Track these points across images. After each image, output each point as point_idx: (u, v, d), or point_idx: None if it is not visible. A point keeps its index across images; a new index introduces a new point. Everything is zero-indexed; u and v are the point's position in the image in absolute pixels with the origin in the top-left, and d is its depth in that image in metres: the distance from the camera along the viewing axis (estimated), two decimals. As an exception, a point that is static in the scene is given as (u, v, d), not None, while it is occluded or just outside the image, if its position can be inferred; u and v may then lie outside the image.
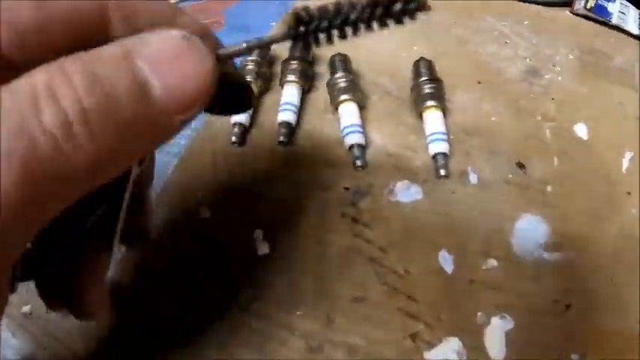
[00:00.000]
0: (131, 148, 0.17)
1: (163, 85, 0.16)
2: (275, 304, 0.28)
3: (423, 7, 0.18)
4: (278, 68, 0.38)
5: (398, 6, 0.18)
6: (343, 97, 0.34)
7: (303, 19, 0.18)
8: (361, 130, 0.33)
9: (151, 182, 0.27)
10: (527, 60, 0.41)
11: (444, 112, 0.35)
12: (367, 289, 0.29)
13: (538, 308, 0.29)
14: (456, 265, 0.30)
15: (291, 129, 0.34)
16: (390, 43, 0.40)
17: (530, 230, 0.32)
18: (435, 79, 0.35)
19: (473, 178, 0.33)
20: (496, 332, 0.28)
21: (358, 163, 0.32)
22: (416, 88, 0.35)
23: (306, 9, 0.18)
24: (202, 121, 0.36)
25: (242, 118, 0.34)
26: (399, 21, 0.18)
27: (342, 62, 0.36)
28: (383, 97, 0.37)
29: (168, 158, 0.35)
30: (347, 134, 0.33)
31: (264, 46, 0.19)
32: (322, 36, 0.18)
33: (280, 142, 0.34)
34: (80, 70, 0.15)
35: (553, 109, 0.38)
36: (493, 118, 0.36)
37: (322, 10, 0.18)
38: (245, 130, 0.35)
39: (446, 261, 0.30)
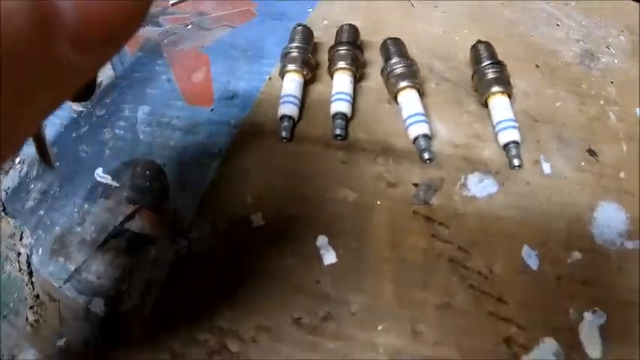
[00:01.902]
0: (27, 93, 0.11)
1: (75, 4, 0.11)
2: (352, 321, 0.25)
3: None
4: (323, 56, 0.35)
5: None
6: (403, 84, 0.31)
7: None
8: (426, 119, 0.30)
9: None
10: (581, 42, 0.38)
11: (510, 97, 0.32)
12: (452, 294, 0.26)
13: (628, 299, 0.26)
14: (540, 260, 0.27)
15: (346, 121, 0.31)
16: (438, 27, 0.37)
17: (609, 219, 0.29)
18: (498, 63, 0.32)
19: (546, 168, 0.30)
20: (590, 328, 0.26)
21: (426, 155, 0.29)
22: (478, 73, 0.32)
23: None
24: (244, 114, 0.33)
25: (291, 110, 0.31)
26: None
27: (397, 46, 0.33)
28: (441, 83, 0.33)
29: (207, 160, 0.31)
30: (411, 125, 0.30)
31: None
32: None
33: (336, 136, 0.31)
34: None
35: (614, 92, 0.35)
36: (557, 104, 0.33)
37: None
38: (294, 124, 0.32)
39: (530, 257, 0.27)
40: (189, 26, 0.40)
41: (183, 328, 0.26)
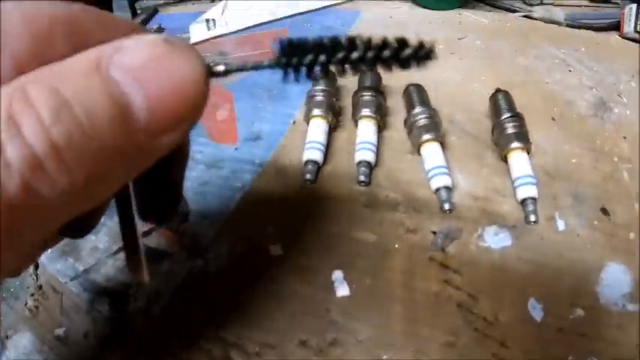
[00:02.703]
0: (112, 177, 0.14)
1: (145, 97, 0.13)
2: (358, 349, 0.26)
3: (432, 54, 0.16)
4: (346, 100, 0.35)
5: (407, 51, 0.16)
6: (426, 136, 0.31)
7: (296, 49, 0.16)
8: (447, 171, 0.31)
9: (184, 166, 0.22)
10: (594, 90, 0.39)
11: (529, 153, 0.32)
12: (458, 334, 0.26)
13: (626, 355, 0.27)
14: (544, 312, 0.28)
15: (370, 168, 0.31)
16: (457, 74, 0.38)
17: (615, 280, 0.30)
18: (516, 116, 0.32)
19: (560, 224, 0.31)
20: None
21: (446, 206, 0.30)
22: (498, 127, 0.32)
23: (300, 39, 0.16)
24: (268, 155, 0.33)
25: (316, 156, 0.31)
26: (405, 66, 0.16)
27: (419, 94, 0.33)
28: (461, 136, 0.34)
29: (230, 193, 0.32)
30: (433, 176, 0.30)
31: (243, 71, 0.16)
32: (317, 69, 0.16)
33: (360, 182, 0.31)
34: (44, 91, 0.12)
35: (627, 148, 0.36)
36: (573, 160, 0.34)
37: (319, 42, 0.16)
38: (319, 169, 0.32)
39: (535, 309, 0.28)
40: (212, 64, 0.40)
41: (188, 335, 0.26)
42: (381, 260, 0.29)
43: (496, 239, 0.30)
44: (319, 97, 0.33)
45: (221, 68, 0.16)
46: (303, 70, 0.16)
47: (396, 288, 0.28)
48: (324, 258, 0.29)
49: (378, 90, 0.34)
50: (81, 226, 0.21)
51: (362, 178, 0.31)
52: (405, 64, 0.16)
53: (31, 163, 0.12)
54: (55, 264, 0.30)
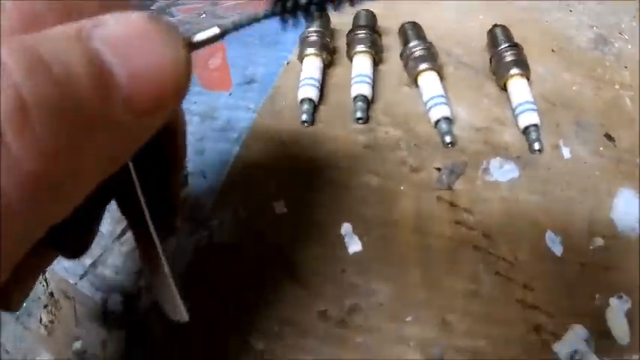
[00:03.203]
0: (89, 156, 0.12)
1: (126, 70, 0.12)
2: (379, 313, 0.25)
3: None
4: (341, 41, 0.34)
5: None
6: (422, 66, 0.30)
7: None
8: (446, 101, 0.29)
9: (180, 165, 0.22)
10: (594, 28, 0.38)
11: (528, 80, 0.31)
12: (480, 281, 0.25)
13: None
14: (564, 246, 0.27)
15: (368, 104, 0.30)
16: (453, 12, 0.37)
17: (629, 205, 0.29)
18: (515, 45, 0.31)
19: (566, 152, 0.30)
20: (617, 314, 0.25)
21: (448, 139, 0.29)
22: (496, 55, 0.31)
23: None
24: (262, 98, 0.32)
25: (311, 93, 0.30)
26: None
27: (415, 30, 0.32)
28: (459, 67, 0.33)
29: (228, 145, 0.31)
30: (432, 107, 0.29)
31: (240, 28, 0.16)
32: (314, 8, 0.16)
33: (358, 119, 0.30)
34: (17, 49, 0.11)
35: (628, 77, 0.35)
36: (574, 88, 0.33)
37: None
38: (315, 108, 0.31)
39: (554, 243, 0.27)
40: (203, 15, 0.39)
41: (204, 328, 0.25)
42: (389, 206, 0.27)
43: (502, 172, 0.29)
44: (313, 38, 0.32)
45: (216, 30, 0.15)
46: (300, 13, 0.16)
47: (408, 236, 0.27)
48: (330, 210, 0.28)
49: (373, 28, 0.33)
50: (75, 240, 0.20)
51: (359, 114, 0.30)
52: None
53: None
54: (61, 262, 0.28)
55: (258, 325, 0.25)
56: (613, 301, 0.25)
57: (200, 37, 0.15)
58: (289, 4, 0.16)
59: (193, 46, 0.15)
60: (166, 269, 0.16)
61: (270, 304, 0.25)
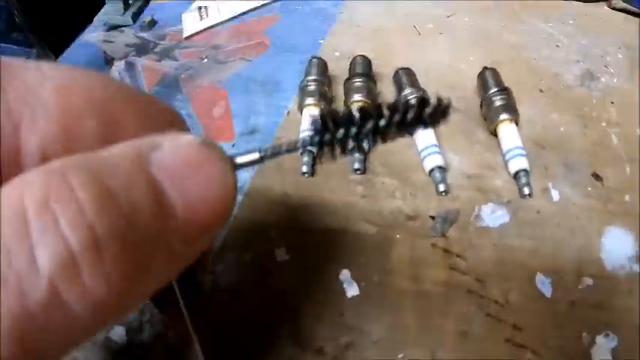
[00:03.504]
0: (144, 283, 0.12)
1: (184, 202, 0.12)
2: (373, 349, 0.26)
3: (449, 110, 0.17)
4: (337, 88, 0.35)
5: (428, 110, 0.16)
6: (417, 117, 0.32)
7: (326, 125, 0.16)
8: (439, 150, 0.31)
9: (207, 258, 0.23)
10: (581, 63, 0.39)
11: (517, 124, 0.33)
12: (471, 322, 0.27)
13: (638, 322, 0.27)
14: (553, 287, 0.28)
15: (365, 155, 0.32)
16: (444, 55, 0.38)
17: (617, 244, 0.30)
18: (504, 90, 0.33)
19: (555, 195, 0.31)
20: (603, 352, 0.27)
21: (442, 188, 0.30)
22: (486, 100, 0.33)
23: (331, 113, 0.16)
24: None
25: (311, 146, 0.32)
26: (428, 124, 0.17)
27: (409, 77, 0.34)
28: (451, 113, 0.34)
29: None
30: (425, 157, 0.31)
31: (278, 155, 0.16)
32: (350, 144, 0.16)
33: (356, 170, 0.31)
34: (88, 181, 0.11)
35: (615, 114, 0.36)
36: (562, 129, 0.34)
37: (348, 115, 0.16)
38: (314, 160, 0.32)
39: (544, 285, 0.28)
40: (205, 60, 0.40)
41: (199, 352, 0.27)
42: (386, 253, 0.29)
43: (494, 217, 0.30)
44: (311, 87, 0.34)
45: (256, 156, 0.16)
46: (337, 147, 0.16)
47: (404, 280, 0.28)
48: (329, 257, 0.29)
49: (369, 76, 0.34)
50: None
51: (357, 165, 0.31)
52: (427, 123, 0.16)
53: (64, 263, 0.10)
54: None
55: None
56: (599, 339, 0.27)
57: (242, 159, 0.15)
58: (327, 137, 0.16)
59: (235, 167, 0.15)
60: (196, 342, 0.18)
61: (270, 343, 0.27)
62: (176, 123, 0.17)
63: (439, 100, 0.16)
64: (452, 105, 0.17)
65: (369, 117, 0.16)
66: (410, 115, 0.16)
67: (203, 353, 0.19)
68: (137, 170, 0.12)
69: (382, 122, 0.16)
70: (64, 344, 0.11)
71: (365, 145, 0.16)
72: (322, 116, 0.16)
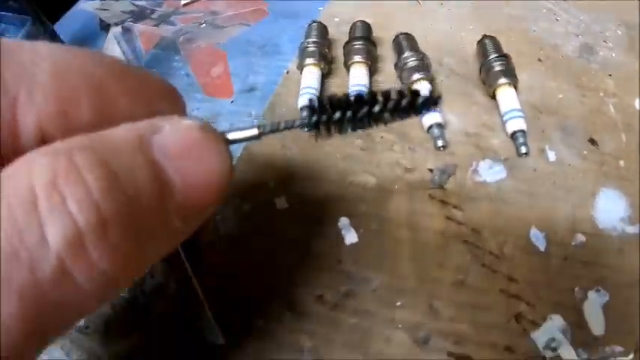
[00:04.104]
0: (145, 258, 0.13)
1: (184, 183, 0.13)
2: (372, 298, 0.26)
3: (439, 100, 0.18)
4: (338, 52, 0.36)
5: (419, 100, 0.17)
6: (416, 75, 0.32)
7: (323, 107, 0.17)
8: (439, 110, 0.31)
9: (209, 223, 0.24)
10: (580, 37, 0.39)
11: (516, 89, 0.33)
12: (467, 272, 0.27)
13: (629, 281, 0.27)
14: (547, 242, 0.28)
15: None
16: (445, 24, 0.38)
17: (611, 205, 0.30)
18: (504, 55, 0.33)
19: (551, 156, 0.31)
20: (594, 307, 0.27)
21: (440, 143, 0.30)
22: (485, 65, 0.33)
23: (330, 97, 0.17)
24: (263, 105, 0.34)
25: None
26: (419, 113, 0.17)
27: (409, 41, 0.34)
28: (450, 76, 0.35)
29: (230, 149, 0.32)
30: (425, 114, 0.31)
31: (276, 131, 0.17)
32: (343, 125, 0.17)
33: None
34: (94, 163, 0.11)
35: (612, 85, 0.36)
36: (560, 96, 0.35)
37: (345, 100, 0.17)
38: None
39: (538, 239, 0.28)
40: (203, 25, 0.41)
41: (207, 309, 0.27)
42: (384, 202, 0.29)
43: (491, 173, 0.31)
44: (312, 48, 0.34)
45: (254, 132, 0.16)
46: (334, 127, 0.17)
47: (401, 229, 0.28)
48: (329, 206, 0.29)
49: (369, 39, 0.35)
50: None
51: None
52: (418, 111, 0.17)
53: (72, 242, 0.11)
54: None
55: (260, 307, 0.26)
56: (591, 295, 0.27)
57: (236, 135, 0.16)
58: (323, 118, 0.17)
59: (228, 143, 0.16)
60: (204, 301, 0.19)
61: (270, 289, 0.27)
62: (172, 98, 0.17)
63: (431, 91, 0.17)
64: (441, 97, 0.18)
65: (364, 103, 0.17)
66: (403, 103, 0.17)
67: (205, 300, 0.19)
68: (139, 152, 0.13)
69: (376, 108, 0.17)
70: (70, 318, 0.12)
71: (358, 128, 0.17)
72: (320, 99, 0.17)
